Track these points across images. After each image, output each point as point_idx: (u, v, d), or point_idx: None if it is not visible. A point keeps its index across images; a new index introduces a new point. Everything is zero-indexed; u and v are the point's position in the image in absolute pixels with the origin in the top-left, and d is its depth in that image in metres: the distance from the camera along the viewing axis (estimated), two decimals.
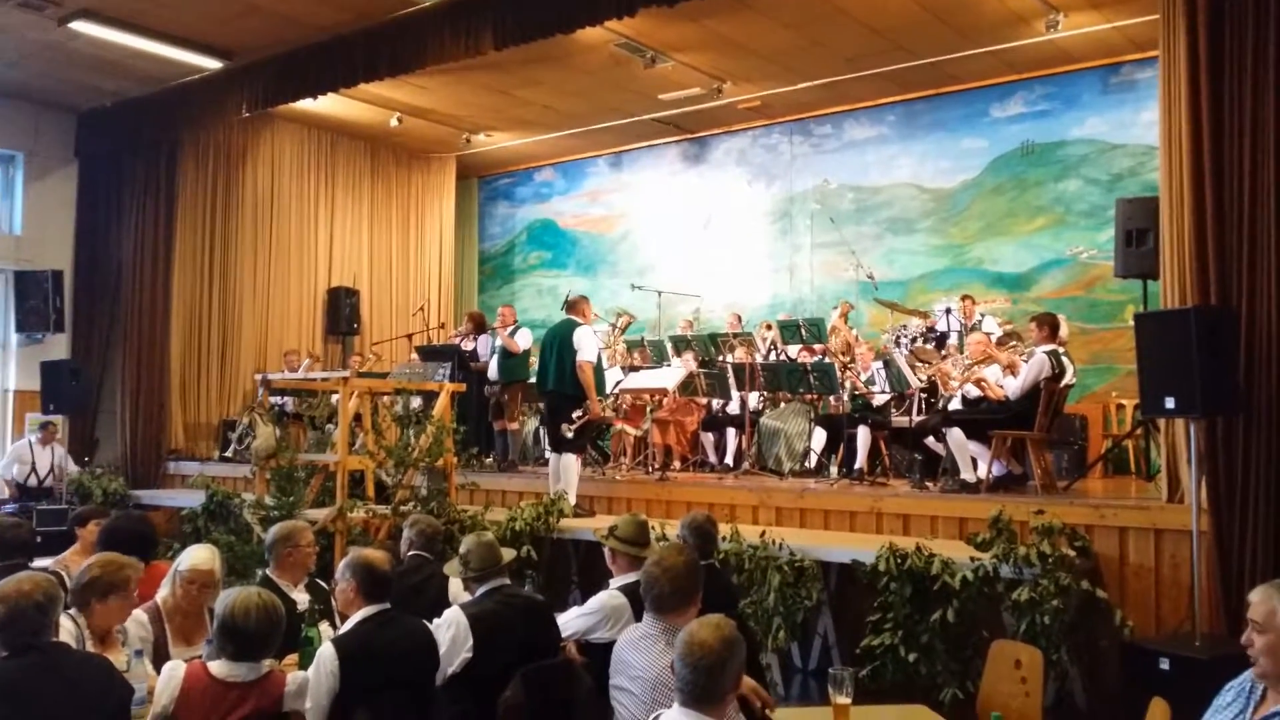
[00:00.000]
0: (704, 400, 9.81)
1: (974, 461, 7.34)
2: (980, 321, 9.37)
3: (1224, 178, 5.62)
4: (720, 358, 10.17)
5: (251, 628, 3.23)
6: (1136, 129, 10.36)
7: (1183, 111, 5.81)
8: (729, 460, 9.54)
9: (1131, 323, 6.08)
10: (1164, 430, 6.29)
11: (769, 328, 10.75)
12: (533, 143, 13.84)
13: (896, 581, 5.65)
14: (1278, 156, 5.46)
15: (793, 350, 10.10)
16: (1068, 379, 7.39)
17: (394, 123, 12.62)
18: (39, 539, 5.54)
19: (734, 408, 9.65)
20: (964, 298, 9.80)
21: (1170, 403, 5.38)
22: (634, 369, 10.25)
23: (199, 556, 4.26)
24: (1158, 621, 5.71)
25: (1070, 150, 10.85)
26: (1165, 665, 4.92)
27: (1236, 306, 5.51)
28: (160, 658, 3.88)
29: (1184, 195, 5.80)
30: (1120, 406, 9.52)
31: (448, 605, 4.36)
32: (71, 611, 3.77)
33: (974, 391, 7.68)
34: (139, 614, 4.04)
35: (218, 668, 3.27)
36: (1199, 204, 5.69)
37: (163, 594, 4.21)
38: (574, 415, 7.70)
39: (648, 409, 9.43)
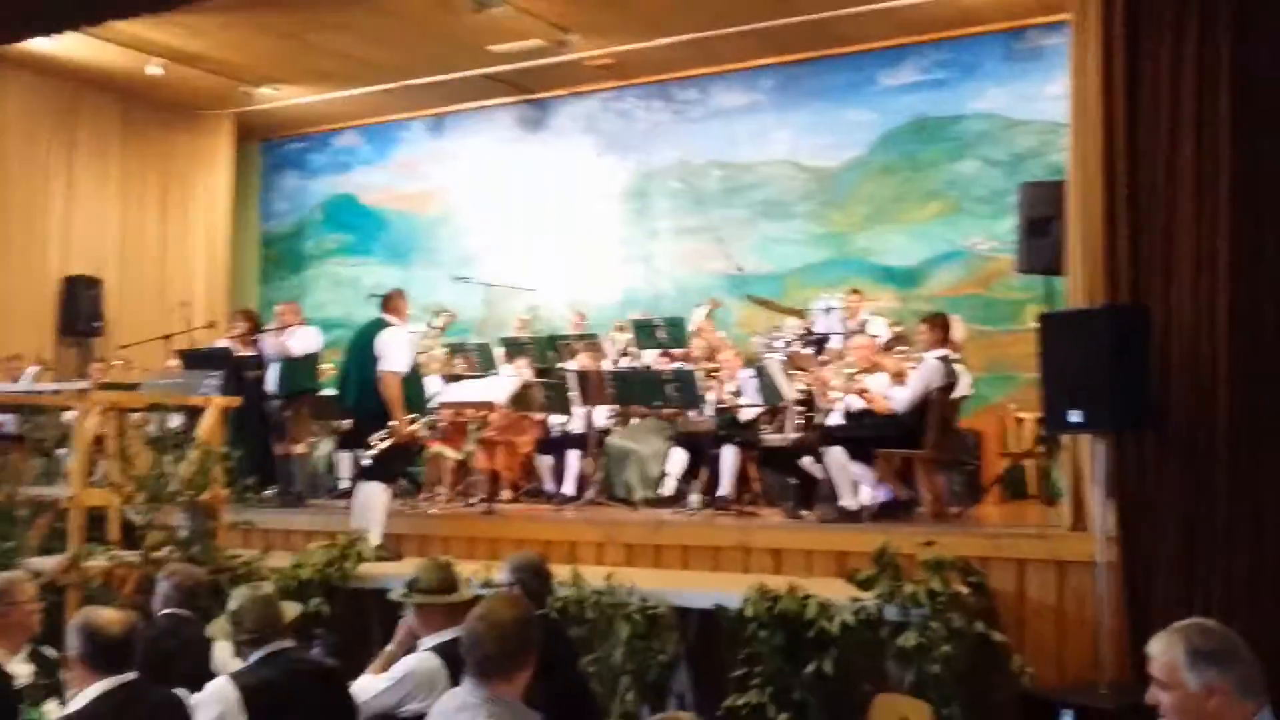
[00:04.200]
0: (540, 416, 9.78)
1: (856, 486, 7.54)
2: (866, 322, 9.64)
3: (1139, 160, 5.91)
4: (560, 364, 10.17)
5: None
6: (1042, 103, 10.80)
7: (1094, 84, 6.09)
8: (569, 488, 9.54)
9: (1034, 325, 6.36)
10: (1068, 448, 6.60)
11: (621, 329, 10.82)
12: (331, 100, 13.55)
13: (766, 629, 5.71)
14: (1198, 137, 5.75)
15: (649, 356, 10.18)
16: (961, 389, 7.69)
17: (155, 70, 12.18)
18: None
19: (576, 425, 9.65)
20: (852, 292, 10.02)
21: (1076, 416, 5.65)
22: (455, 378, 10.15)
23: None
24: (1060, 667, 5.96)
25: (967, 126, 11.30)
26: (1068, 718, 5.16)
27: (1150, 306, 5.81)
28: None
29: (1095, 179, 6.07)
30: (1020, 421, 9.91)
31: (212, 675, 4.27)
32: None
33: (857, 404, 7.89)
34: None
35: None
36: (1111, 189, 5.97)
37: None
38: (373, 437, 7.60)
39: (471, 427, 9.34)
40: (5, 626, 4.44)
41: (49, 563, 6.39)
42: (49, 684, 4.34)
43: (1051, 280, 7.94)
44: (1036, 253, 7.75)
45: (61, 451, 7.63)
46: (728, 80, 12.47)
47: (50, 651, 4.62)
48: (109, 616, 3.86)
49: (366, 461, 7.54)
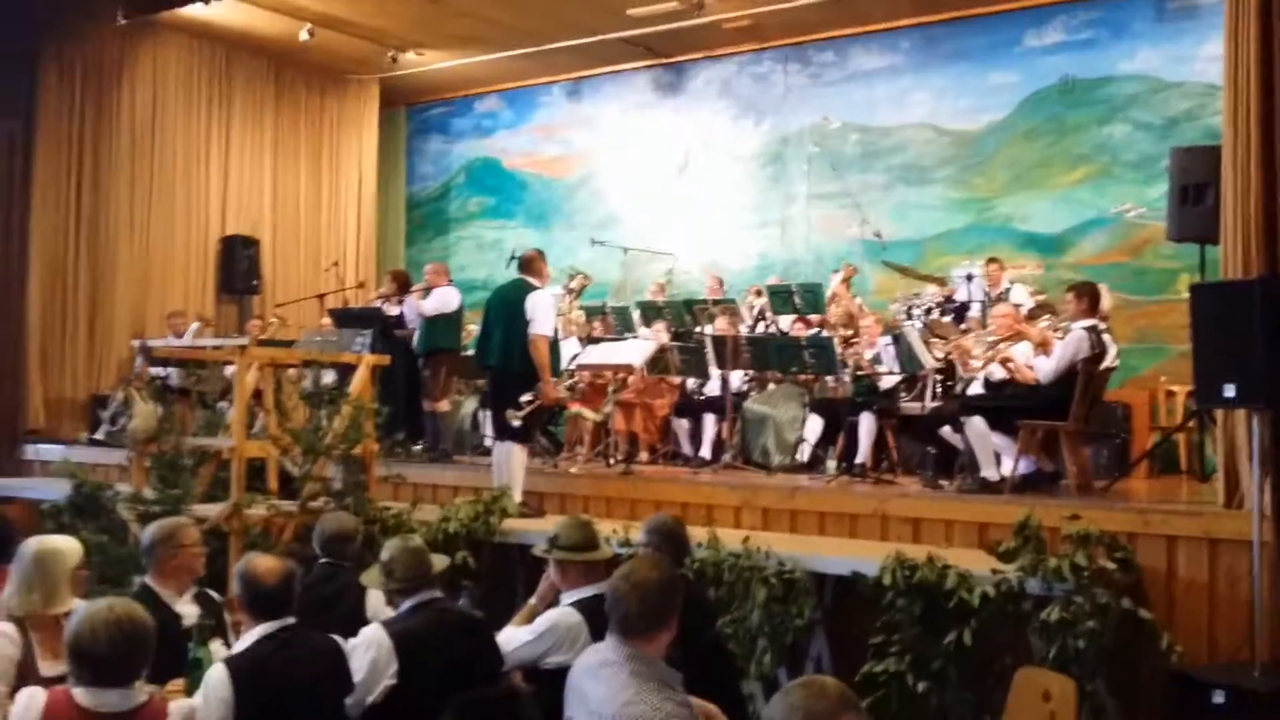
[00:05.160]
0: (677, 380, 9.80)
1: (997, 456, 7.38)
2: (1008, 290, 9.46)
3: None
4: (698, 329, 10.15)
5: (102, 649, 3.21)
6: (1196, 64, 10.44)
7: (1252, 45, 5.86)
8: (706, 452, 9.52)
9: (1186, 295, 6.13)
10: (1221, 423, 6.35)
11: (758, 294, 10.76)
12: (473, 64, 13.70)
13: (904, 597, 5.65)
14: None
15: (785, 322, 10.10)
16: (1109, 360, 7.45)
17: (304, 36, 12.44)
18: None
19: (713, 389, 9.64)
20: (990, 261, 9.88)
21: (1230, 391, 5.44)
22: (593, 341, 10.22)
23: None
24: (1211, 647, 5.77)
25: (1117, 88, 10.94)
26: (1219, 699, 5.01)
27: None
28: (29, 679, 3.81)
29: (1251, 145, 5.85)
30: (1170, 394, 9.59)
31: (365, 622, 4.38)
32: None
33: (999, 373, 7.73)
34: (4, 627, 4.01)
35: (83, 696, 3.24)
36: (1269, 155, 5.74)
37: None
38: (522, 399, 7.68)
39: (609, 389, 9.40)
40: (172, 569, 4.55)
41: (213, 510, 6.63)
42: (213, 624, 4.48)
43: (1205, 249, 7.64)
44: (1189, 220, 7.50)
45: (223, 404, 7.86)
46: (866, 42, 12.27)
47: (214, 594, 4.79)
48: (268, 565, 3.98)
49: (516, 422, 7.62)
